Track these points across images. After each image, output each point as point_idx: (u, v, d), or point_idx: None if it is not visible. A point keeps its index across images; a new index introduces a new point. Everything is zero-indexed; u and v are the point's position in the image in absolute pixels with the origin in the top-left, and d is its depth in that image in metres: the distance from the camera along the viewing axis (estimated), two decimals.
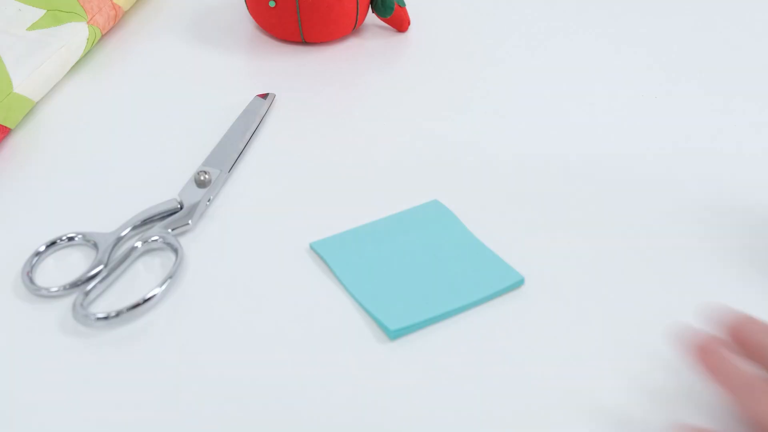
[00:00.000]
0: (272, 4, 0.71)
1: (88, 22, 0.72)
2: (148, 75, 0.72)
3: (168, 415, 0.47)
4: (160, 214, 0.58)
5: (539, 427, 0.46)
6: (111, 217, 0.57)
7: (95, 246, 0.56)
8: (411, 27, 0.77)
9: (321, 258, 0.55)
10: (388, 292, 0.53)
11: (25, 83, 0.66)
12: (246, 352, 0.50)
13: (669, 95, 0.69)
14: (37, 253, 0.55)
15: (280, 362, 0.50)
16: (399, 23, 0.76)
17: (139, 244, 0.55)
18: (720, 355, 0.44)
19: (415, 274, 0.54)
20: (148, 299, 0.52)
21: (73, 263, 0.55)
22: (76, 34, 0.71)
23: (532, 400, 0.47)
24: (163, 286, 0.53)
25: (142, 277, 0.55)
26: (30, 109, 0.67)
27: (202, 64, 0.73)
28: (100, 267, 0.54)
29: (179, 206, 0.58)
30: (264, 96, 0.68)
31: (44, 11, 0.72)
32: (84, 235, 0.56)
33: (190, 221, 0.57)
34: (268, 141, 0.65)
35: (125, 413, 0.47)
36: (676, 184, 0.60)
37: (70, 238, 0.56)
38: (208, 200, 0.59)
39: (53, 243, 0.56)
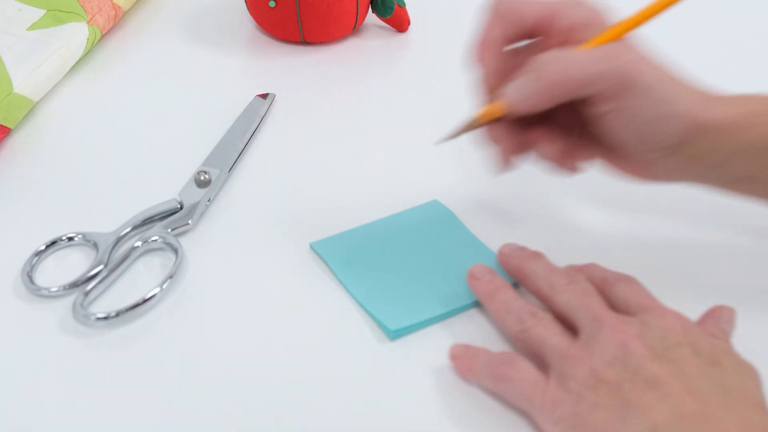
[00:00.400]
0: (272, 4, 0.71)
1: (88, 22, 0.72)
2: (148, 75, 0.72)
3: (168, 415, 0.47)
4: (160, 214, 0.58)
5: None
6: (111, 217, 0.57)
7: (95, 246, 0.56)
8: (411, 27, 0.77)
9: (321, 258, 0.55)
10: (388, 292, 0.53)
11: (25, 83, 0.66)
12: (246, 352, 0.50)
13: None
14: (37, 253, 0.55)
15: (280, 362, 0.50)
16: (399, 23, 0.76)
17: (139, 244, 0.55)
18: (493, 283, 0.51)
19: (415, 274, 0.54)
20: (148, 299, 0.52)
21: (73, 263, 0.55)
22: (76, 34, 0.71)
23: None
24: (163, 286, 0.53)
25: (142, 277, 0.55)
26: (30, 109, 0.67)
27: (202, 64, 0.73)
28: (100, 267, 0.54)
29: (179, 206, 0.58)
30: (264, 96, 0.68)
31: (44, 11, 0.72)
32: (84, 235, 0.56)
33: (190, 221, 0.57)
34: (268, 141, 0.65)
35: (125, 413, 0.47)
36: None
37: (70, 238, 0.56)
38: (208, 200, 0.59)
39: (53, 243, 0.56)
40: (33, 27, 0.71)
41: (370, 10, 0.75)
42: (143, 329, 0.51)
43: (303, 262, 0.55)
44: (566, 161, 0.52)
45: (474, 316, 0.52)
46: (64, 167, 0.63)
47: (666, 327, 0.46)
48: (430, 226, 0.57)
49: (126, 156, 0.64)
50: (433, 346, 0.50)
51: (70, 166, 0.63)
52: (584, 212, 0.59)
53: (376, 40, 0.76)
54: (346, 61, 0.74)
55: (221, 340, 0.51)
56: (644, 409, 0.42)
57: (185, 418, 0.47)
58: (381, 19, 0.75)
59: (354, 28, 0.75)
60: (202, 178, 0.60)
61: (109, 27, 0.74)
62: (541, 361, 0.47)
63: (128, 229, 0.56)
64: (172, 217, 0.57)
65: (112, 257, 0.55)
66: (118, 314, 0.51)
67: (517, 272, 0.52)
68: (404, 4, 0.75)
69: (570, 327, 0.48)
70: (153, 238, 0.56)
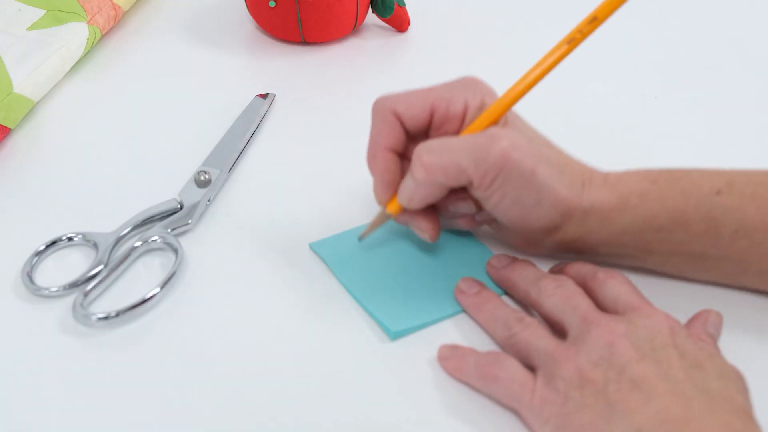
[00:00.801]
0: (272, 4, 0.71)
1: (88, 22, 0.72)
2: (148, 75, 0.72)
3: (168, 415, 0.47)
4: (160, 214, 0.57)
5: None
6: (111, 217, 0.57)
7: (95, 246, 0.56)
8: (411, 27, 0.77)
9: (320, 258, 0.55)
10: (389, 293, 0.53)
11: (25, 83, 0.66)
12: (246, 352, 0.50)
13: (669, 95, 0.70)
14: (37, 253, 0.55)
15: (280, 362, 0.50)
16: (399, 23, 0.76)
17: (139, 244, 0.55)
18: (480, 295, 0.51)
19: (416, 274, 0.54)
20: (148, 299, 0.52)
21: (73, 263, 0.55)
22: (76, 34, 0.71)
23: None
24: (163, 286, 0.53)
25: (142, 277, 0.55)
26: (30, 109, 0.67)
27: (202, 64, 0.73)
28: (100, 267, 0.54)
29: (179, 206, 0.58)
30: (264, 96, 0.68)
31: (44, 11, 0.72)
32: (84, 235, 0.56)
33: (190, 221, 0.57)
34: (268, 141, 0.65)
35: (125, 413, 0.47)
36: None
37: (70, 238, 0.56)
38: (208, 200, 0.59)
39: (53, 243, 0.56)
40: (33, 27, 0.71)
41: (370, 10, 0.75)
42: (143, 329, 0.51)
43: (303, 262, 0.55)
44: (472, 223, 0.54)
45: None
46: (64, 167, 0.63)
47: (653, 328, 0.46)
48: None
49: (126, 156, 0.64)
50: (433, 346, 0.50)
51: (70, 166, 0.63)
52: None
53: (376, 40, 0.76)
54: (346, 61, 0.74)
55: (221, 340, 0.51)
56: (629, 411, 0.42)
57: (185, 418, 0.47)
58: (381, 19, 0.75)
59: (354, 28, 0.75)
60: (202, 178, 0.60)
61: (109, 27, 0.74)
62: (530, 365, 0.47)
63: (128, 229, 0.56)
64: (172, 217, 0.57)
65: (112, 257, 0.55)
66: (118, 314, 0.51)
67: (506, 282, 0.53)
68: (404, 4, 0.75)
69: (560, 330, 0.48)
70: (153, 238, 0.56)
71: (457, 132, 0.51)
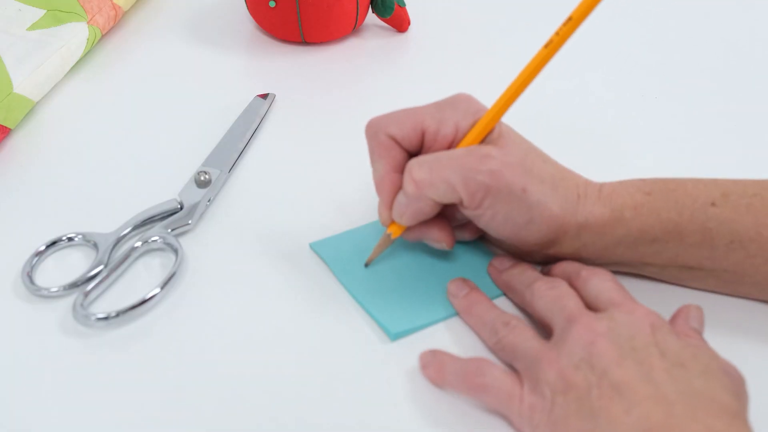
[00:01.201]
0: (272, 4, 0.71)
1: (88, 22, 0.72)
2: (148, 75, 0.72)
3: (168, 415, 0.47)
4: (160, 214, 0.57)
5: None
6: (111, 217, 0.57)
7: (95, 246, 0.56)
8: (411, 27, 0.77)
9: (321, 258, 0.55)
10: (389, 294, 0.53)
11: (25, 83, 0.66)
12: (246, 352, 0.50)
13: (669, 95, 0.70)
14: (37, 253, 0.55)
15: (281, 362, 0.50)
16: (399, 23, 0.76)
17: (139, 244, 0.55)
18: (469, 297, 0.51)
19: (416, 275, 0.54)
20: (148, 299, 0.52)
21: (73, 263, 0.55)
22: (76, 34, 0.71)
23: None
24: (163, 287, 0.52)
25: (142, 277, 0.55)
26: (30, 109, 0.67)
27: (202, 64, 0.73)
28: (100, 267, 0.54)
29: (179, 206, 0.58)
30: (264, 96, 0.68)
31: (44, 11, 0.72)
32: (84, 235, 0.56)
33: (190, 221, 0.57)
34: (268, 141, 0.65)
35: (125, 413, 0.47)
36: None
37: (70, 238, 0.56)
38: (208, 200, 0.59)
39: (53, 243, 0.56)
40: (33, 27, 0.71)
41: (370, 10, 0.75)
42: (143, 329, 0.51)
43: (303, 262, 0.55)
44: (477, 233, 0.54)
45: None
46: (64, 167, 0.63)
47: (634, 325, 0.45)
48: None
49: (126, 156, 0.64)
50: (433, 346, 0.50)
51: (70, 166, 0.63)
52: None
53: (376, 40, 0.76)
54: (346, 61, 0.74)
55: (221, 340, 0.51)
56: (611, 421, 0.42)
57: (185, 418, 0.47)
58: (381, 19, 0.75)
59: (354, 28, 0.75)
60: (202, 178, 0.60)
61: (109, 27, 0.74)
62: (518, 369, 0.47)
63: (128, 230, 0.56)
64: (172, 218, 0.57)
65: (112, 257, 0.55)
66: (118, 314, 0.51)
67: (505, 285, 0.53)
68: (404, 4, 0.75)
69: (551, 332, 0.48)
70: (153, 239, 0.56)
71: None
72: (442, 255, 0.55)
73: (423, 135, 0.51)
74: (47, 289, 0.53)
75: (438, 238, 0.52)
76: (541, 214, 0.49)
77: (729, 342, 0.48)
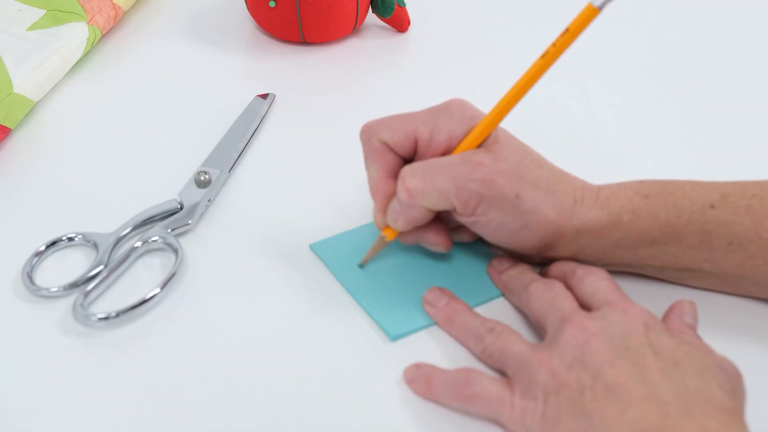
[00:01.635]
0: (272, 4, 0.71)
1: (88, 22, 0.72)
2: (148, 75, 0.72)
3: (168, 415, 0.47)
4: (160, 214, 0.57)
5: None
6: (111, 217, 0.57)
7: (95, 246, 0.56)
8: (411, 27, 0.77)
9: (320, 259, 0.55)
10: (389, 295, 0.53)
11: (25, 83, 0.66)
12: (246, 352, 0.50)
13: (669, 95, 0.70)
14: (37, 253, 0.55)
15: (281, 362, 0.50)
16: (399, 23, 0.76)
17: (139, 244, 0.55)
18: (449, 307, 0.51)
19: (416, 275, 0.54)
20: (148, 300, 0.52)
21: (73, 263, 0.55)
22: (76, 34, 0.71)
23: None
24: (163, 287, 0.53)
25: (142, 277, 0.55)
26: (30, 109, 0.67)
27: (202, 64, 0.73)
28: (100, 267, 0.54)
29: (179, 206, 0.58)
30: (264, 96, 0.68)
31: (44, 11, 0.72)
32: (84, 235, 0.56)
33: (190, 221, 0.57)
34: (268, 141, 0.65)
35: (125, 413, 0.47)
36: None
37: (70, 238, 0.56)
38: (208, 200, 0.59)
39: (53, 243, 0.56)
40: (33, 27, 0.71)
41: (370, 10, 0.75)
42: (143, 329, 0.51)
43: (303, 263, 0.55)
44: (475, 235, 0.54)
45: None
46: (64, 167, 0.63)
47: (627, 325, 0.45)
48: None
49: (126, 156, 0.64)
50: (433, 346, 0.50)
51: (70, 166, 0.63)
52: None
53: (376, 40, 0.76)
54: (346, 61, 0.74)
55: (221, 340, 0.51)
56: (605, 423, 0.42)
57: (185, 417, 0.47)
58: (381, 19, 0.75)
59: (354, 28, 0.75)
60: (202, 178, 0.60)
61: (109, 27, 0.74)
62: (508, 374, 0.47)
63: (128, 230, 0.56)
64: (172, 218, 0.57)
65: (112, 257, 0.55)
66: (118, 315, 0.51)
67: (503, 286, 0.53)
68: (404, 4, 0.75)
69: (545, 334, 0.48)
70: (153, 239, 0.56)
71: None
72: (441, 256, 0.55)
73: (416, 142, 0.51)
74: (47, 289, 0.53)
75: (434, 241, 0.52)
76: (536, 219, 0.49)
77: (728, 341, 0.48)
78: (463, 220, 0.50)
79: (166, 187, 0.60)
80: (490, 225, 0.49)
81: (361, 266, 0.54)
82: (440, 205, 0.49)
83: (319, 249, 0.56)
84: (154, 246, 0.56)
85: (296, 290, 0.54)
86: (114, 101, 0.70)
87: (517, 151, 0.50)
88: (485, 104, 0.51)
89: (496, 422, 0.46)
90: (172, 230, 0.57)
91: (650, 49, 0.75)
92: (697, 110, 0.68)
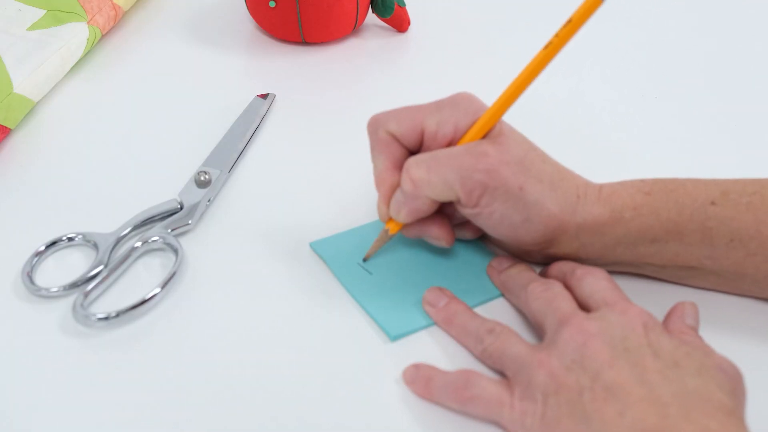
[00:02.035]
0: (272, 4, 0.71)
1: (88, 22, 0.72)
2: (148, 75, 0.72)
3: (168, 415, 0.47)
4: (160, 214, 0.58)
5: None
6: (111, 217, 0.57)
7: (95, 246, 0.56)
8: (411, 27, 0.77)
9: (321, 258, 0.55)
10: (389, 294, 0.53)
11: (25, 83, 0.66)
12: (246, 352, 0.50)
13: (669, 95, 0.70)
14: (37, 253, 0.55)
15: (281, 362, 0.50)
16: (399, 23, 0.76)
17: (139, 244, 0.55)
18: (449, 308, 0.51)
19: (416, 275, 0.54)
20: (148, 300, 0.52)
21: (73, 263, 0.55)
22: (76, 34, 0.71)
23: None
24: (163, 287, 0.53)
25: (142, 277, 0.55)
26: (30, 109, 0.67)
27: (202, 64, 0.73)
28: (100, 267, 0.54)
29: (179, 206, 0.58)
30: (264, 96, 0.68)
31: (44, 11, 0.72)
32: (84, 235, 0.56)
33: (190, 221, 0.57)
34: (268, 141, 0.65)
35: (125, 413, 0.47)
36: None
37: (70, 238, 0.56)
38: (208, 200, 0.59)
39: (53, 243, 0.56)
40: (33, 27, 0.71)
41: (370, 10, 0.75)
42: (143, 330, 0.51)
43: (303, 262, 0.55)
44: (478, 232, 0.54)
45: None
46: (65, 167, 0.63)
47: (627, 325, 0.45)
48: None
49: (126, 156, 0.64)
50: (433, 346, 0.50)
51: (70, 166, 0.63)
52: None
53: (376, 40, 0.76)
54: (346, 61, 0.74)
55: (221, 340, 0.51)
56: (605, 424, 0.42)
57: (185, 417, 0.47)
58: (381, 19, 0.75)
59: (354, 28, 0.75)
60: (202, 178, 0.60)
61: (109, 27, 0.74)
62: (507, 375, 0.47)
63: (128, 230, 0.56)
64: (172, 218, 0.57)
65: (113, 257, 0.55)
66: (118, 315, 0.51)
67: (502, 286, 0.53)
68: (404, 4, 0.75)
69: (543, 334, 0.48)
70: (153, 239, 0.56)
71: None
72: (442, 255, 0.55)
73: (422, 134, 0.51)
74: (47, 289, 0.53)
75: (437, 235, 0.52)
76: (539, 213, 0.49)
77: (728, 341, 0.48)
78: (466, 212, 0.50)
79: (166, 187, 0.60)
80: (492, 217, 0.49)
81: (365, 260, 0.54)
82: (444, 196, 0.49)
83: (319, 248, 0.56)
84: (154, 246, 0.56)
85: (296, 290, 0.54)
86: (114, 101, 0.70)
87: (521, 145, 0.50)
88: (486, 104, 0.51)
89: (496, 423, 0.46)
90: (172, 230, 0.57)
91: (650, 49, 0.75)
92: (697, 110, 0.68)
